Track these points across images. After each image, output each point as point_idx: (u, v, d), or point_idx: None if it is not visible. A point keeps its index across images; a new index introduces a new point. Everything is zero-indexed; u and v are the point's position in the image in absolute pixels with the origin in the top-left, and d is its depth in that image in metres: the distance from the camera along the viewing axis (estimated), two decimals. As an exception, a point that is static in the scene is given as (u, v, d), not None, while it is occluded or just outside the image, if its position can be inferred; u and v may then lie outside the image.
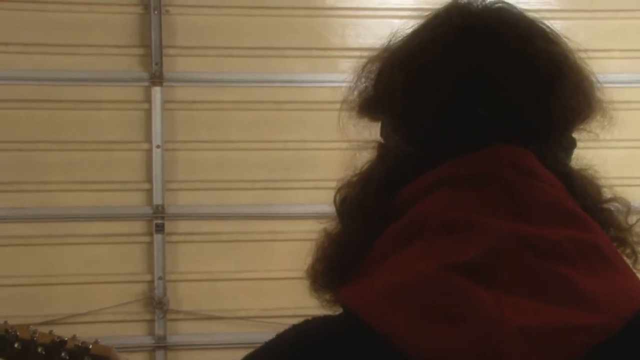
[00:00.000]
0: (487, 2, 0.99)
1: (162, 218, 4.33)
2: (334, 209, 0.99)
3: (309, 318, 0.90)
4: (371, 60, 1.00)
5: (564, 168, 0.95)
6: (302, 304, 4.31)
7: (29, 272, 4.26)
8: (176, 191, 4.40)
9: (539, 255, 0.84)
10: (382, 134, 0.99)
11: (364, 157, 0.99)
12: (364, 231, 0.93)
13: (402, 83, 0.94)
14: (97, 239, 4.32)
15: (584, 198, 0.95)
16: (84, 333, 4.21)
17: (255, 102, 4.40)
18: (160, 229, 4.33)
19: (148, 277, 4.34)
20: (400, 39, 0.99)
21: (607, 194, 0.98)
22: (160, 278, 4.32)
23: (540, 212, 0.88)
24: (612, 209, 0.97)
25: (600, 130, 0.99)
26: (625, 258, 0.94)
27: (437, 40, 0.95)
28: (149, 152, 4.32)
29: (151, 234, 4.34)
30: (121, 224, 4.36)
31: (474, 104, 0.92)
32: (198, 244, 4.40)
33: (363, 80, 1.00)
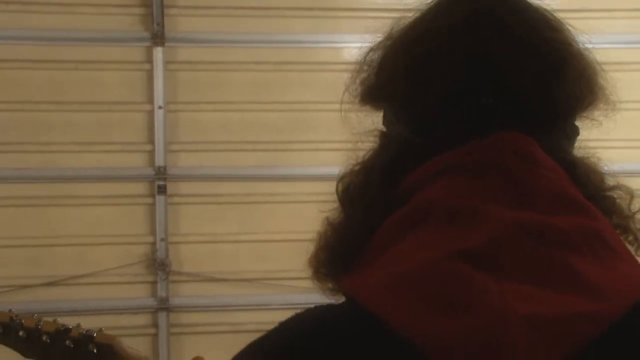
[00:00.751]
0: None
1: (164, 179, 4.32)
2: (337, 197, 0.99)
3: (312, 306, 0.89)
4: (373, 48, 0.99)
5: (567, 156, 0.95)
6: (304, 266, 4.29)
7: (31, 233, 4.25)
8: (178, 152, 4.38)
9: (543, 243, 0.84)
10: (384, 122, 0.99)
11: (367, 146, 0.99)
12: (367, 220, 0.93)
13: (405, 70, 0.94)
14: (99, 200, 4.31)
15: (587, 186, 0.95)
16: (86, 294, 4.27)
17: (257, 63, 4.37)
18: (162, 190, 4.32)
19: (150, 239, 4.34)
20: (403, 27, 0.98)
21: (609, 181, 0.98)
22: (162, 240, 4.32)
23: (544, 200, 0.87)
24: (615, 196, 0.97)
25: (603, 118, 0.99)
26: (627, 245, 0.94)
27: (442, 27, 0.94)
28: (151, 113, 4.29)
29: (153, 196, 4.33)
30: (123, 186, 4.35)
31: (478, 92, 0.92)
32: (200, 206, 4.39)
33: (365, 68, 0.99)
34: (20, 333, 1.18)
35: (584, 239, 0.85)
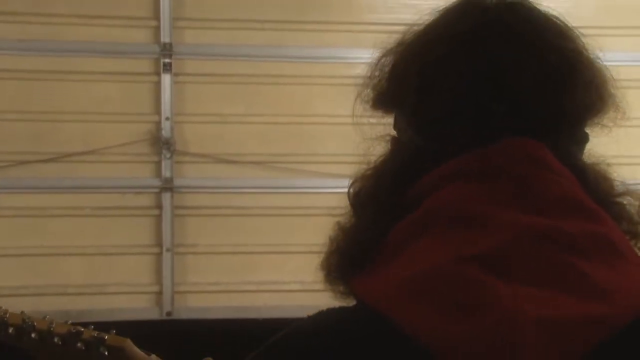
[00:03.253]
0: None
1: (170, 57, 4.22)
2: (348, 202, 1.01)
3: (323, 309, 0.91)
4: (385, 54, 1.01)
5: (576, 162, 0.97)
6: (312, 150, 4.28)
7: (35, 108, 4.20)
8: (184, 29, 4.27)
9: (553, 247, 0.85)
10: (395, 128, 1.00)
11: (378, 151, 1.01)
12: (378, 224, 0.95)
13: (416, 77, 0.96)
14: (104, 77, 4.24)
15: (597, 191, 0.96)
16: (91, 172, 4.24)
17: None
18: (167, 68, 4.24)
19: (155, 118, 4.28)
20: (414, 33, 1.00)
21: (619, 188, 1.00)
22: (167, 119, 4.26)
23: (554, 205, 0.89)
24: (625, 202, 0.99)
25: (612, 125, 1.01)
26: (637, 251, 0.95)
27: (452, 35, 0.96)
28: (156, -15, 4.19)
29: (158, 74, 4.25)
30: (128, 62, 4.26)
31: (488, 99, 0.93)
32: (206, 85, 4.32)
33: (377, 74, 1.00)
34: (33, 335, 1.19)
35: (594, 243, 0.87)
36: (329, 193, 4.16)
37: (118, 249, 4.23)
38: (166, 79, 4.24)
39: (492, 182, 0.91)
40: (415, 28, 1.00)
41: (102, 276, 4.21)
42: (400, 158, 0.97)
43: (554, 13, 1.00)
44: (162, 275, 4.22)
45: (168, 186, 4.28)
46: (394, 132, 1.01)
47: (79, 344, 1.17)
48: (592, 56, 0.98)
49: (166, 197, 4.27)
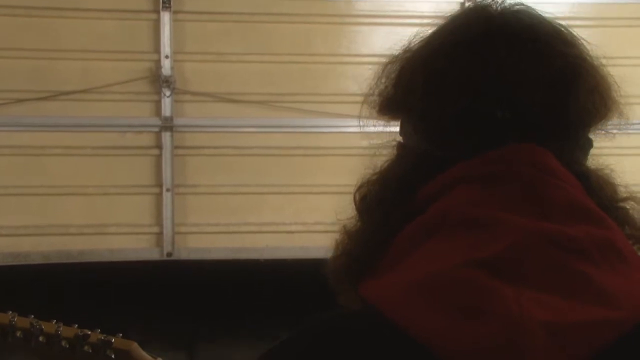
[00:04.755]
0: (506, 4, 1.01)
1: (169, -6, 4.17)
2: (354, 207, 1.02)
3: (331, 313, 0.91)
4: (392, 60, 1.02)
5: (580, 167, 0.98)
6: (313, 89, 4.21)
7: (34, 45, 4.15)
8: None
9: (559, 252, 0.87)
10: (401, 133, 1.02)
11: (384, 156, 1.03)
12: (384, 228, 0.96)
13: (422, 84, 0.97)
14: (103, 14, 4.18)
15: (601, 196, 0.98)
16: (90, 111, 4.20)
17: None
18: (167, 5, 4.18)
19: (155, 57, 4.24)
20: (420, 40, 1.01)
21: (622, 193, 1.01)
22: (167, 57, 4.21)
23: (560, 210, 0.91)
24: (628, 207, 1.00)
25: (616, 131, 1.02)
26: None
27: (457, 42, 0.97)
28: None
29: (157, 12, 4.20)
30: (127, -1, 4.22)
31: (493, 106, 0.95)
32: (206, 24, 4.27)
33: (384, 80, 1.02)
34: (40, 338, 1.20)
35: (599, 248, 0.88)
36: (331, 133, 4.15)
37: (118, 189, 4.21)
38: (165, 16, 4.20)
39: (498, 187, 0.92)
40: (422, 34, 1.02)
41: (103, 216, 4.21)
42: (406, 163, 0.99)
43: (558, 20, 1.02)
44: (163, 215, 4.22)
45: (168, 125, 4.25)
46: (400, 138, 1.02)
47: (85, 347, 1.20)
48: (596, 62, 1.00)
49: (166, 137, 4.25)
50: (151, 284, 4.07)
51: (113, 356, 1.19)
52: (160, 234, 4.23)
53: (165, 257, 4.21)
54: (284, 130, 4.29)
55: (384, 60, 1.03)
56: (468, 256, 0.86)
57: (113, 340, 1.19)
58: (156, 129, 4.26)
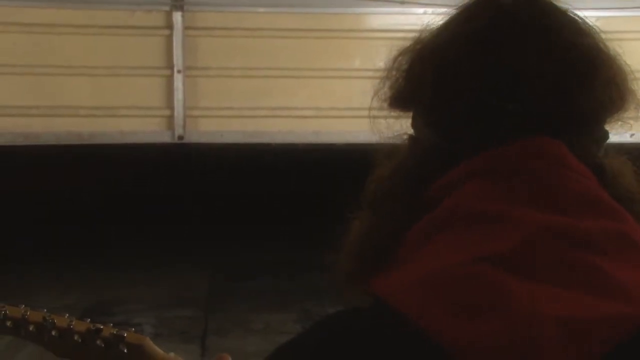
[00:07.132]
0: None
1: None
2: (364, 202, 1.01)
3: (342, 309, 0.91)
4: (403, 52, 1.00)
5: (595, 159, 0.97)
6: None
7: None
8: None
9: (572, 246, 0.86)
10: (412, 126, 1.01)
11: (395, 150, 1.02)
12: (395, 223, 0.95)
13: (432, 77, 0.96)
14: None
15: (616, 189, 0.96)
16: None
17: None
18: None
19: None
20: (431, 32, 1.00)
21: (638, 185, 0.99)
22: None
23: (573, 203, 0.90)
24: None
25: (633, 122, 1.00)
26: None
27: (468, 34, 0.96)
28: None
29: None
30: None
31: (504, 98, 0.94)
32: None
33: (394, 72, 1.00)
34: (53, 332, 1.20)
35: (613, 241, 0.88)
36: (348, 14, 4.06)
37: (128, 70, 4.15)
38: None
39: (510, 181, 0.92)
40: (432, 26, 1.00)
41: (113, 98, 4.15)
42: (418, 157, 0.98)
43: (572, 9, 0.99)
44: (174, 98, 4.16)
45: (179, 4, 4.15)
46: (411, 131, 1.02)
47: (98, 342, 1.20)
48: (611, 53, 0.97)
49: (177, 16, 4.15)
50: (162, 166, 4.06)
51: (125, 350, 1.20)
52: (171, 117, 4.18)
53: (176, 140, 4.17)
54: (299, 11, 4.19)
55: (394, 52, 1.01)
56: (479, 252, 0.86)
57: (125, 335, 1.20)
58: (167, 8, 4.16)
